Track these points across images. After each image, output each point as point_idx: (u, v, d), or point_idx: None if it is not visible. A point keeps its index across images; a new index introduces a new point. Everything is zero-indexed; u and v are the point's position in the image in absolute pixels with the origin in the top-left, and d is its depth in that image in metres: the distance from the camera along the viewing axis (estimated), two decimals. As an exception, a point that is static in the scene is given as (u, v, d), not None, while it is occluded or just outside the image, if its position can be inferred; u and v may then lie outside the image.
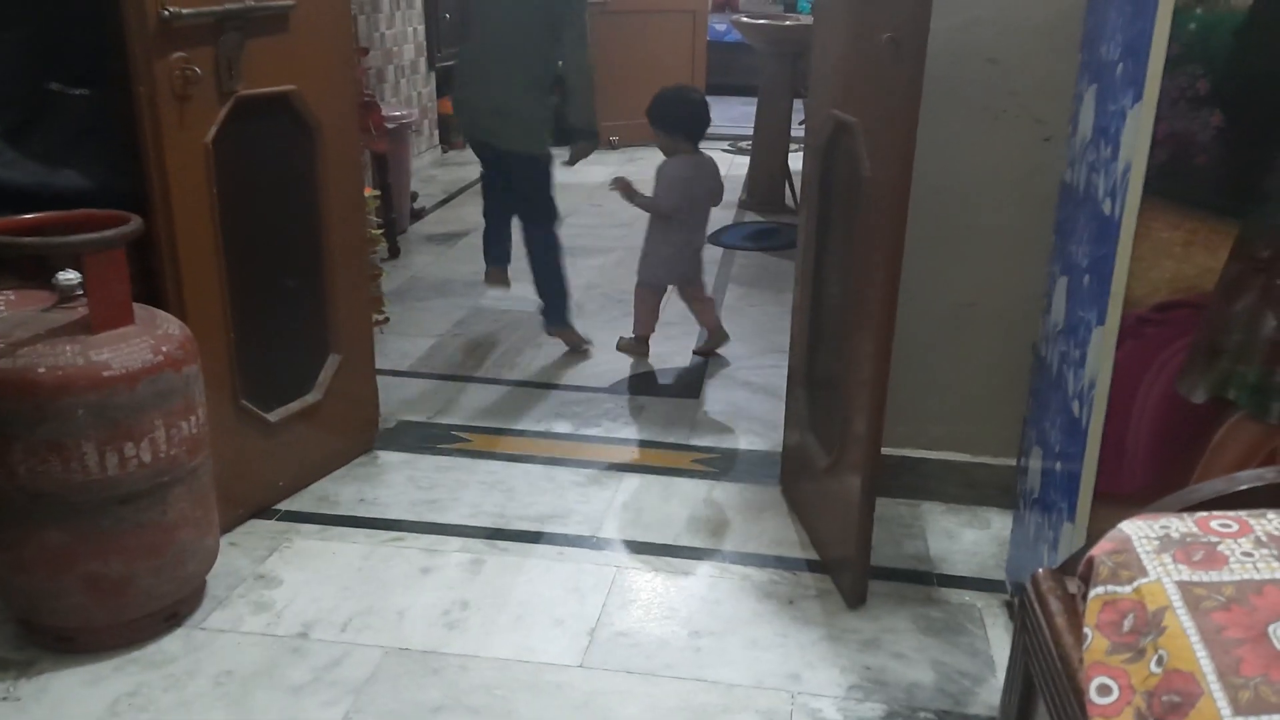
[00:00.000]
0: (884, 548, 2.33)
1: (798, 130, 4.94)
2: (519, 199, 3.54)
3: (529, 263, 3.53)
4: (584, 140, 3.51)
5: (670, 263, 3.40)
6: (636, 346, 3.49)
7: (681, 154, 3.33)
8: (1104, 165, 1.65)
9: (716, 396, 3.24)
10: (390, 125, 4.43)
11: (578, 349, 3.54)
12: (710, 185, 3.38)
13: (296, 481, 2.58)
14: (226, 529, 2.30)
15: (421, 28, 6.22)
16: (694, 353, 3.53)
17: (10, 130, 2.17)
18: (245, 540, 2.36)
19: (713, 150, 4.51)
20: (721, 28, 7.87)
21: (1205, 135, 1.47)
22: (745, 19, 5.63)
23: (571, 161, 3.55)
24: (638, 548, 2.39)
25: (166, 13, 1.99)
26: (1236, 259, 1.51)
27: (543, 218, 3.49)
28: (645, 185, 3.43)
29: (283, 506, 2.52)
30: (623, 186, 3.34)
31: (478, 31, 3.43)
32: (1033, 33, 2.22)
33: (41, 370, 1.79)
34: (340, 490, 2.61)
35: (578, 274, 4.38)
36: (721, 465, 2.79)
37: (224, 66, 2.15)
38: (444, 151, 6.70)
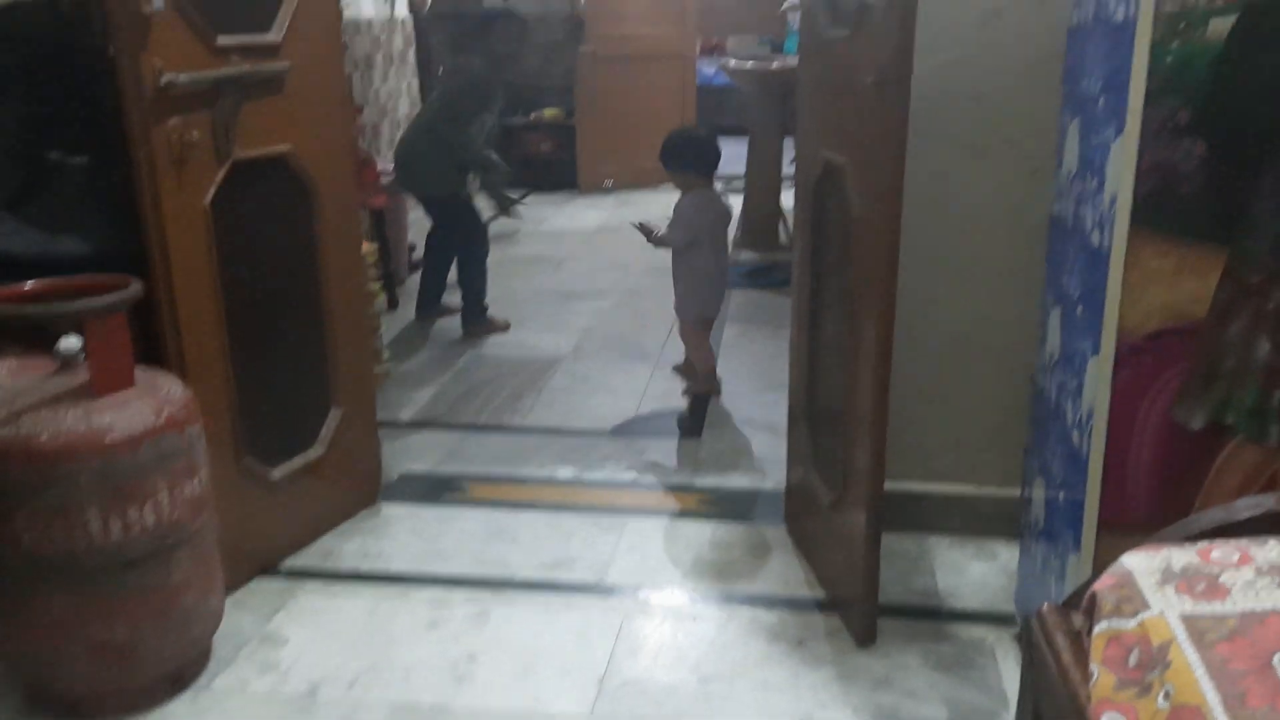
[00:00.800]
0: (892, 584, 2.32)
1: (789, 168, 4.98)
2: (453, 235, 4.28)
3: (462, 279, 4.24)
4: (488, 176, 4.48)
5: (707, 294, 3.43)
6: (708, 381, 3.49)
7: (695, 190, 3.39)
8: (1091, 197, 1.67)
9: (718, 435, 3.24)
10: (386, 179, 4.47)
11: (504, 329, 4.24)
12: (721, 214, 3.45)
13: (300, 538, 2.57)
14: (231, 588, 2.29)
15: (415, 81, 6.31)
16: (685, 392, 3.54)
17: (10, 199, 2.20)
18: (250, 599, 2.36)
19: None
20: (710, 71, 7.96)
21: (1189, 165, 1.49)
22: (733, 62, 5.70)
23: (492, 196, 4.69)
24: (644, 593, 2.38)
25: (164, 80, 2.02)
26: (1227, 285, 1.52)
27: (477, 248, 4.28)
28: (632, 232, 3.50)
29: (287, 563, 2.51)
30: (644, 230, 3.44)
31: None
32: (1015, 70, 2.25)
33: (44, 437, 1.80)
34: (344, 545, 2.60)
35: (576, 317, 4.41)
36: (726, 505, 2.79)
37: (221, 130, 2.18)
38: (440, 201, 6.75)
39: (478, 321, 4.22)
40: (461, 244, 4.24)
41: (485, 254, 4.28)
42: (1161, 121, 1.47)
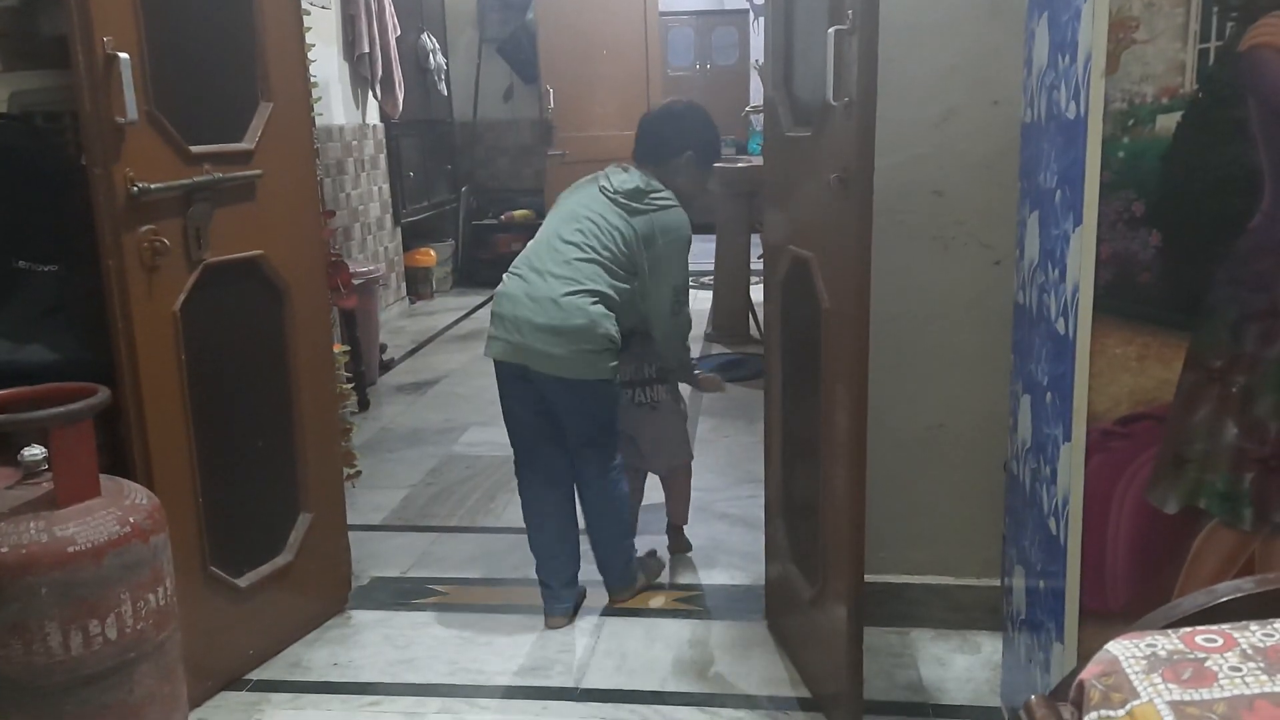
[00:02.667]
0: (876, 680, 2.28)
1: (756, 263, 5.07)
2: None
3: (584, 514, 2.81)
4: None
5: None
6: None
7: None
8: (1053, 286, 1.71)
9: (695, 531, 3.20)
10: (358, 281, 4.50)
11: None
12: None
13: (268, 648, 2.49)
14: (195, 703, 2.21)
15: (386, 186, 6.39)
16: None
17: (-23, 308, 2.18)
18: (215, 715, 2.27)
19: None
20: (677, 171, 8.15)
21: (1146, 254, 1.53)
22: (699, 162, 5.82)
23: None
24: (623, 697, 2.32)
25: (136, 188, 2.03)
26: (1191, 370, 1.55)
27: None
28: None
29: (254, 676, 2.43)
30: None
31: None
32: (973, 165, 2.32)
33: (4, 550, 1.74)
34: (313, 654, 2.52)
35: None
36: (705, 603, 2.74)
37: (192, 236, 2.19)
38: (412, 303, 6.79)
39: (629, 581, 2.81)
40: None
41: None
42: (1117, 213, 1.52)
